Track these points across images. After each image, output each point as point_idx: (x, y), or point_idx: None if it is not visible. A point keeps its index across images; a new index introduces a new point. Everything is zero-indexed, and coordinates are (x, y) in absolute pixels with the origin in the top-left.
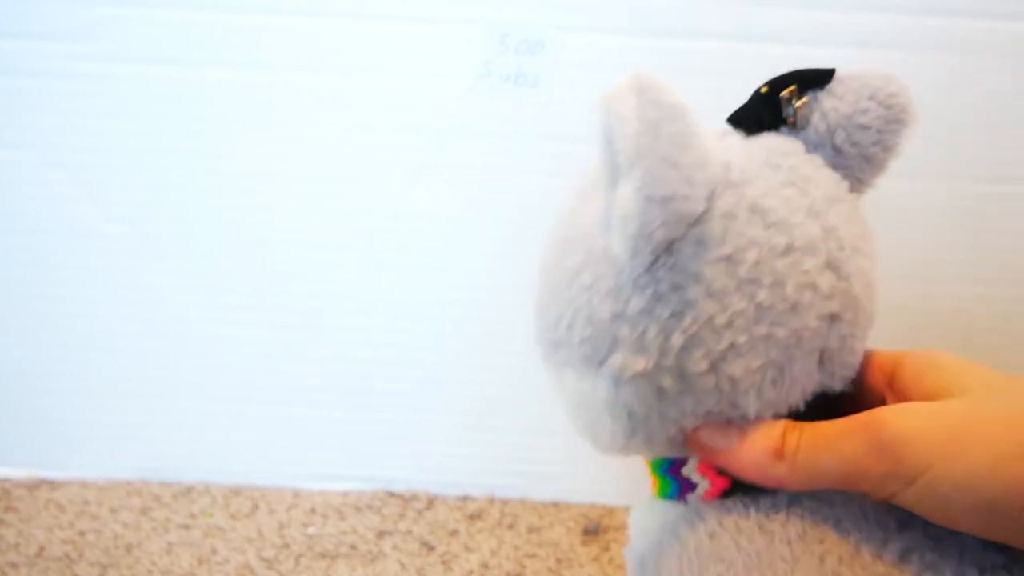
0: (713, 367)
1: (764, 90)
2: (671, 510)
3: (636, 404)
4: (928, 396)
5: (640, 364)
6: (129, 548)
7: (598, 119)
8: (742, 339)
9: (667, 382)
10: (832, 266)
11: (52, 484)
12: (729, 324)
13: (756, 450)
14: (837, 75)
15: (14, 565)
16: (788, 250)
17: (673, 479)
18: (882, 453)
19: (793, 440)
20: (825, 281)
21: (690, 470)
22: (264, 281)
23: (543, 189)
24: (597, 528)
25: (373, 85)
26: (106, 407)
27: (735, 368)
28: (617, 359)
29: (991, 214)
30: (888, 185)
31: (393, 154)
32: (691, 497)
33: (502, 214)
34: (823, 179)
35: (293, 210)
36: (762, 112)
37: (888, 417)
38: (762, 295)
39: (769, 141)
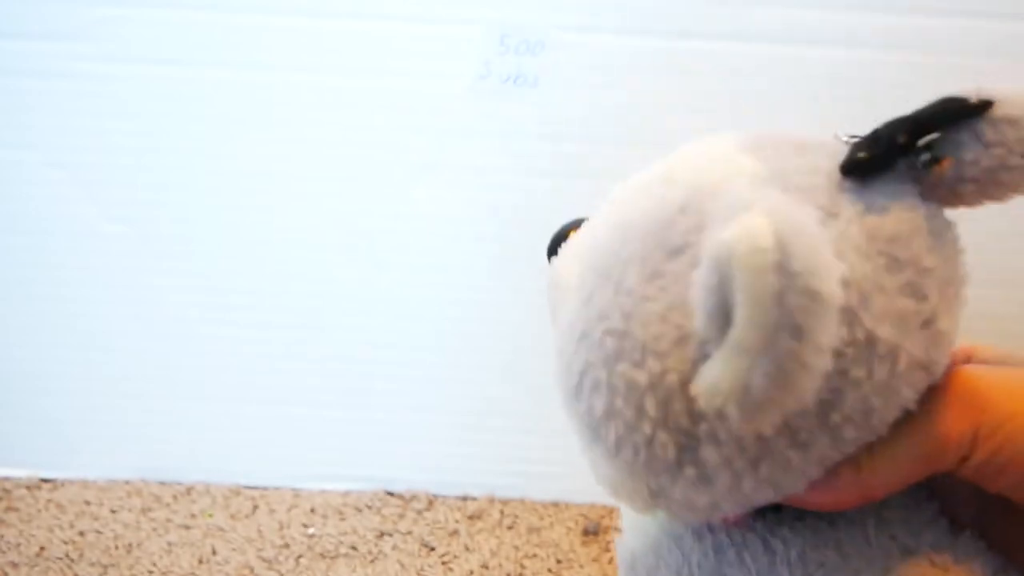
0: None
1: (902, 140)
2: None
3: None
4: None
5: (700, 498)
6: (129, 548)
7: (709, 265)
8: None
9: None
10: (924, 366)
11: (52, 484)
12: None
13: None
14: (993, 112)
15: (15, 565)
16: (892, 374)
17: None
18: (965, 406)
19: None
20: (919, 379)
21: None
22: (264, 281)
23: (543, 189)
24: (597, 528)
25: (373, 85)
26: (106, 407)
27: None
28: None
29: (991, 214)
30: None
31: (393, 154)
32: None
33: (502, 214)
34: (941, 262)
35: (293, 210)
36: (885, 159)
37: (968, 372)
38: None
39: (888, 220)
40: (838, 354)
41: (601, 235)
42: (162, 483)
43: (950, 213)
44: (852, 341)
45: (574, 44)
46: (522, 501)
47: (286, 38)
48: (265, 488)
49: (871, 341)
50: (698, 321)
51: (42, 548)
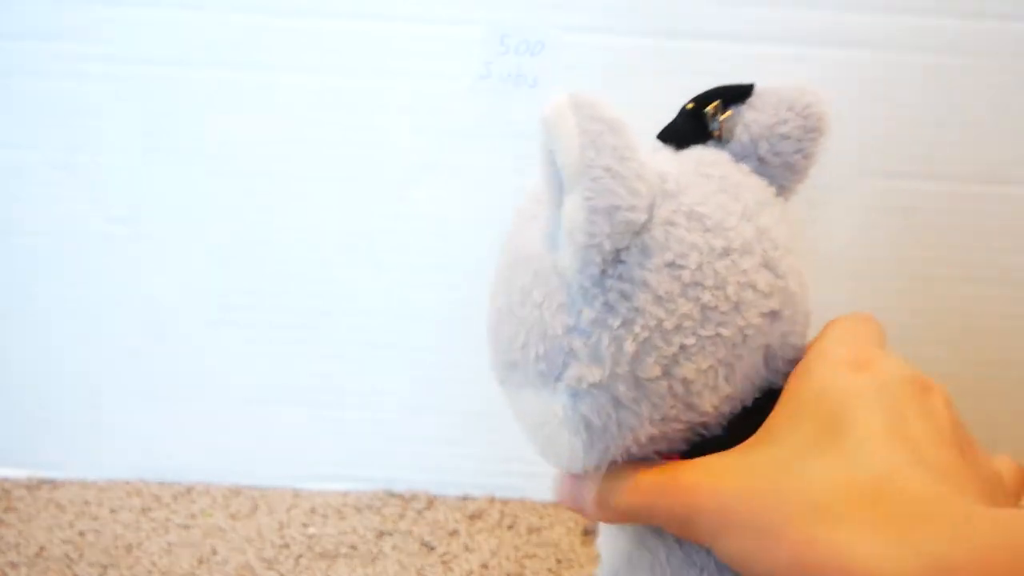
0: (666, 371)
1: (690, 106)
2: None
3: (594, 415)
4: (764, 430)
5: (596, 374)
6: (129, 548)
7: (540, 138)
8: (691, 341)
9: (623, 390)
10: (768, 265)
11: (52, 484)
12: (678, 328)
13: (586, 498)
14: (756, 89)
15: (14, 565)
16: (726, 252)
17: None
18: (677, 521)
19: (611, 489)
20: (763, 279)
21: None
22: (264, 281)
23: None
24: (597, 528)
25: (373, 85)
26: (106, 407)
27: (687, 370)
28: (573, 371)
29: (991, 214)
30: (889, 186)
31: (393, 154)
32: None
33: (502, 214)
34: (752, 185)
35: (293, 210)
36: (689, 127)
37: (686, 479)
38: (706, 297)
39: (697, 154)
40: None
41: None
42: (162, 483)
43: None
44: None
45: (574, 44)
46: (522, 501)
47: (286, 38)
48: (265, 488)
49: (694, 216)
50: (544, 200)
51: (42, 548)
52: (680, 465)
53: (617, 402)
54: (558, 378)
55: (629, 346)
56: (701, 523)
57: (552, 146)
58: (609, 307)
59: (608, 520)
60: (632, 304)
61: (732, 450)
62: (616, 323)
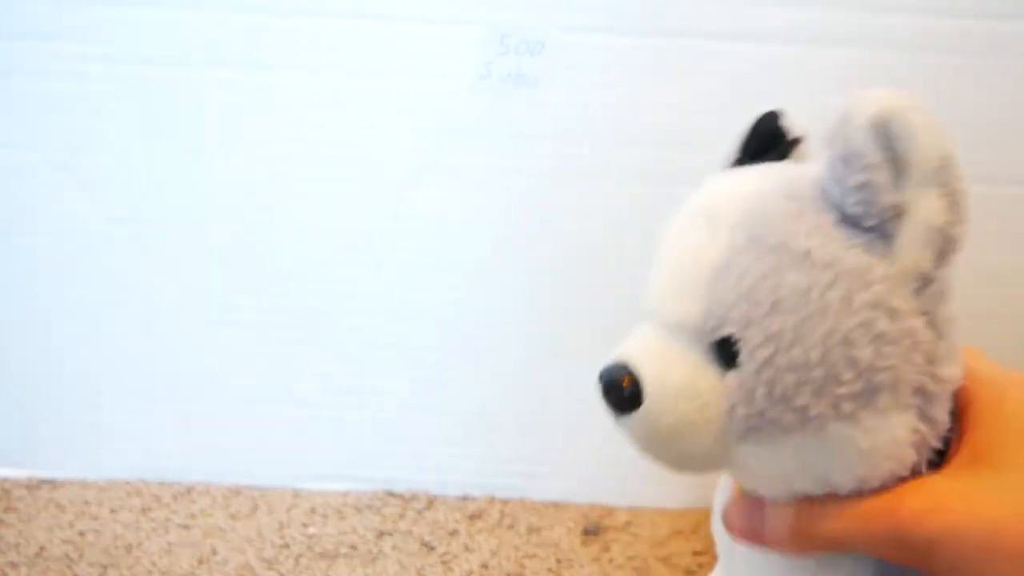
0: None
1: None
2: None
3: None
4: (978, 451)
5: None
6: (129, 548)
7: (863, 120)
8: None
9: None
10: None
11: (52, 484)
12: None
13: (775, 526)
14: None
15: (14, 565)
16: None
17: None
18: (907, 548)
19: (817, 515)
20: None
21: None
22: (264, 281)
23: (543, 189)
24: (597, 528)
25: (373, 85)
26: (106, 407)
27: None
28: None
29: (991, 214)
30: None
31: (393, 154)
32: None
33: (502, 214)
34: None
35: (293, 210)
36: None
37: (915, 506)
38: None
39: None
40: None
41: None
42: (162, 483)
43: None
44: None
45: (574, 44)
46: (522, 501)
47: (286, 38)
48: (265, 488)
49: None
50: (872, 183)
51: (42, 548)
52: (901, 489)
53: (924, 416)
54: (896, 392)
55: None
56: (941, 552)
57: (899, 139)
58: (930, 314)
59: (802, 549)
60: (946, 313)
61: (946, 473)
62: (945, 315)
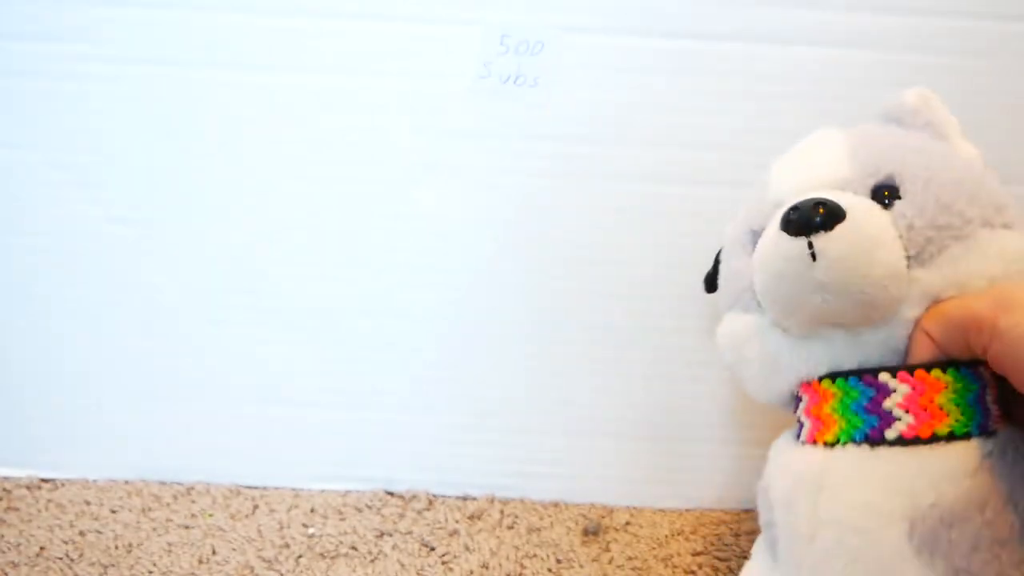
0: None
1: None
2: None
3: None
4: None
5: None
6: (129, 548)
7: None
8: None
9: None
10: None
11: (52, 484)
12: None
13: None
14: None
15: (15, 565)
16: None
17: (871, 414)
18: (994, 301)
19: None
20: None
21: (893, 402)
22: (264, 281)
23: (543, 189)
24: (597, 528)
25: (373, 85)
26: (106, 407)
27: None
28: None
29: None
30: None
31: (393, 154)
32: (888, 432)
33: (502, 214)
34: None
35: (293, 210)
36: None
37: (1009, 283)
38: None
39: None
40: None
41: None
42: (162, 483)
43: None
44: None
45: (574, 44)
46: (522, 501)
47: (286, 38)
48: (265, 488)
49: None
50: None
51: (42, 548)
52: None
53: None
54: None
55: None
56: None
57: (936, 110)
58: None
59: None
60: None
61: None
62: None
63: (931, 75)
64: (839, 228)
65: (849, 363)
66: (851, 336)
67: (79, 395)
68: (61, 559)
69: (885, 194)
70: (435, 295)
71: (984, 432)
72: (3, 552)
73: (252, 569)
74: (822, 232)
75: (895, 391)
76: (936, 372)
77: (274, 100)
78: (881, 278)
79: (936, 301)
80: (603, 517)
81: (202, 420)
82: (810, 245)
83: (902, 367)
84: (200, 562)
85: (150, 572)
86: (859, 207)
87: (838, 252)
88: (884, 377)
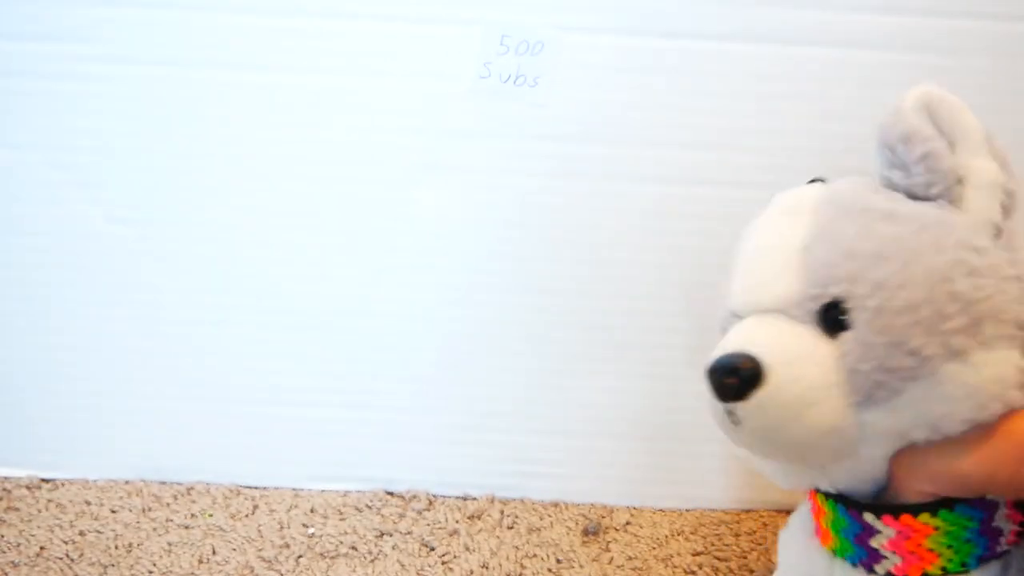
0: None
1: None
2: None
3: None
4: None
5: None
6: (129, 548)
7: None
8: None
9: None
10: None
11: (52, 484)
12: None
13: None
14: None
15: (15, 565)
16: None
17: (859, 547)
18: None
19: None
20: None
21: (879, 542)
22: (264, 281)
23: (543, 190)
24: (597, 528)
25: (373, 85)
26: (106, 407)
27: None
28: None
29: None
30: None
31: (393, 154)
32: (878, 567)
33: (502, 214)
34: None
35: (293, 210)
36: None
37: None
38: None
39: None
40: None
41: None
42: (162, 483)
43: None
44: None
45: (574, 44)
46: (522, 501)
47: (286, 38)
48: (265, 488)
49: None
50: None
51: (42, 548)
52: None
53: None
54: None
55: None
56: None
57: (945, 118)
58: (1009, 256)
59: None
60: (1021, 258)
61: None
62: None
63: (931, 75)
64: (757, 395)
65: (824, 485)
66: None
67: (79, 395)
68: (61, 559)
69: (833, 317)
70: (435, 295)
71: (986, 560)
72: (3, 552)
73: (252, 569)
74: (738, 401)
75: (880, 532)
76: (924, 516)
77: (274, 100)
78: (812, 437)
79: (903, 439)
80: (603, 517)
81: (202, 420)
82: (729, 412)
83: (887, 508)
84: (200, 562)
85: (150, 572)
86: (786, 365)
87: (756, 422)
88: (869, 518)
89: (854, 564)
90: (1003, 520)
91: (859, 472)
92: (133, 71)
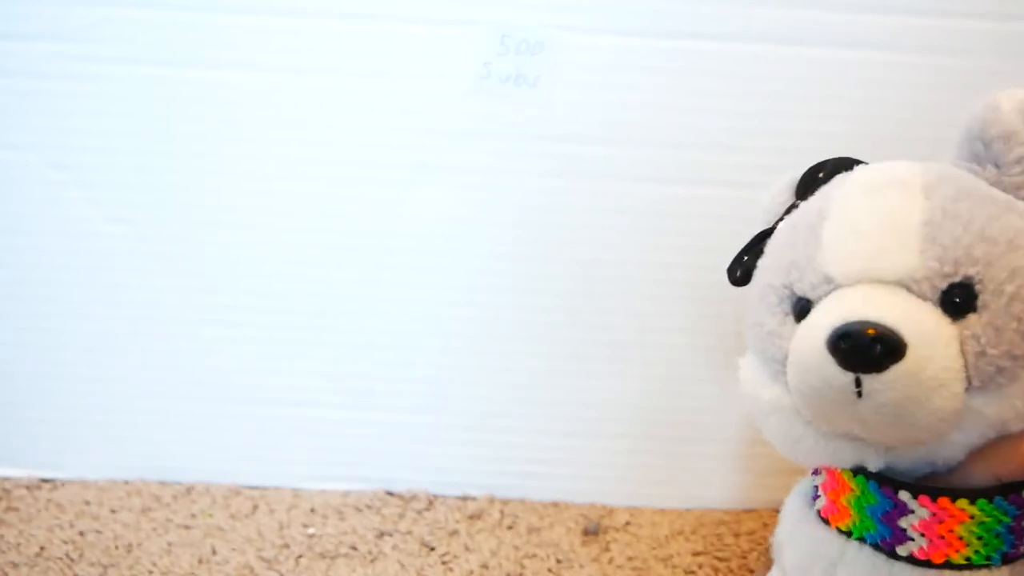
0: None
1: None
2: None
3: None
4: None
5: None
6: (129, 548)
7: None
8: None
9: None
10: None
11: (52, 484)
12: None
13: None
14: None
15: (15, 565)
16: None
17: (885, 526)
18: None
19: None
20: None
21: (908, 522)
22: (264, 281)
23: (543, 190)
24: (597, 528)
25: (373, 85)
26: (106, 407)
27: None
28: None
29: None
30: None
31: (393, 154)
32: (900, 549)
33: (502, 215)
34: None
35: (293, 210)
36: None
37: None
38: None
39: None
40: None
41: None
42: (162, 483)
43: None
44: None
45: (574, 44)
46: (522, 501)
47: (286, 38)
48: (265, 488)
49: None
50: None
51: (42, 548)
52: None
53: None
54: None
55: None
56: None
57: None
58: None
59: None
60: None
61: None
62: None
63: (931, 75)
64: (893, 370)
65: (876, 465)
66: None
67: (79, 395)
68: (61, 559)
69: (956, 298)
70: (435, 295)
71: (1008, 560)
72: (3, 552)
73: (252, 569)
74: (874, 372)
75: (913, 512)
76: (962, 502)
77: (274, 100)
78: (934, 420)
79: (1002, 428)
80: (603, 517)
81: (202, 420)
82: (857, 382)
83: (924, 489)
84: (200, 562)
85: (150, 572)
86: (923, 340)
87: (888, 398)
88: (904, 496)
89: (874, 544)
90: None
91: (935, 456)
92: (133, 71)
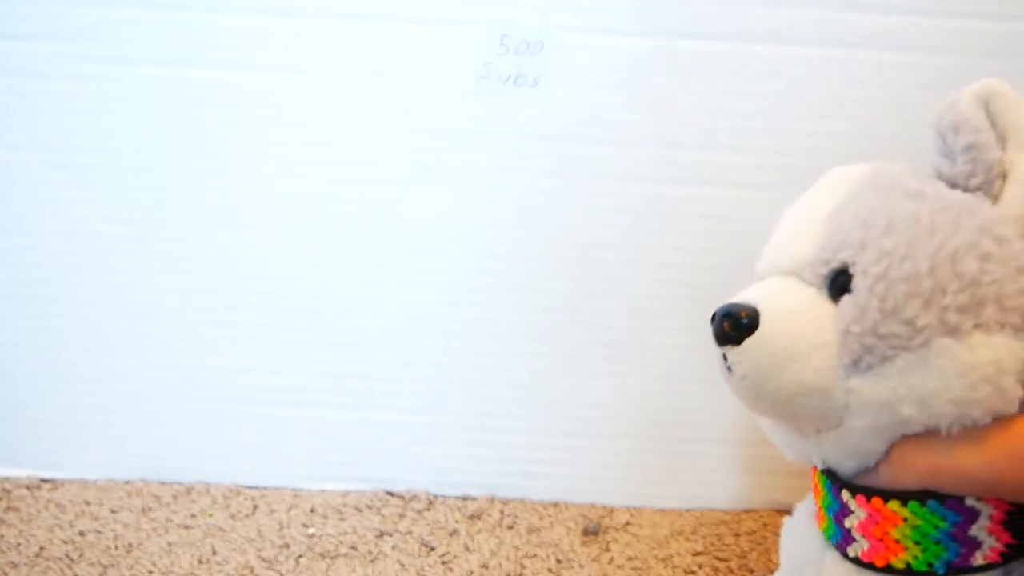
0: None
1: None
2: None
3: None
4: None
5: None
6: (129, 548)
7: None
8: None
9: None
10: None
11: (52, 484)
12: None
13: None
14: None
15: (15, 565)
16: None
17: (838, 527)
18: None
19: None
20: None
21: (851, 523)
22: (264, 281)
23: (543, 190)
24: (597, 528)
25: (373, 85)
26: (106, 407)
27: None
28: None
29: None
30: None
31: (393, 154)
32: (849, 550)
33: (502, 214)
34: None
35: (293, 210)
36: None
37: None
38: None
39: None
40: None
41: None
42: (162, 483)
43: None
44: None
45: (574, 44)
46: (522, 501)
47: (286, 39)
48: (265, 488)
49: None
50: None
51: (42, 548)
52: None
53: None
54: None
55: None
56: None
57: (999, 111)
58: None
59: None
60: None
61: None
62: None
63: (931, 75)
64: (747, 342)
65: (815, 460)
66: (813, 433)
67: (79, 395)
68: (61, 559)
69: (841, 283)
70: (435, 295)
71: (957, 570)
72: (3, 552)
73: (252, 569)
74: (731, 345)
75: (853, 512)
76: (894, 504)
77: (274, 100)
78: (796, 393)
79: (891, 413)
80: (603, 517)
81: (202, 420)
82: (724, 357)
83: (863, 489)
84: (200, 562)
85: (150, 572)
86: (776, 315)
87: (744, 369)
88: (845, 496)
89: (835, 544)
90: (983, 532)
91: (846, 445)
92: (133, 71)
